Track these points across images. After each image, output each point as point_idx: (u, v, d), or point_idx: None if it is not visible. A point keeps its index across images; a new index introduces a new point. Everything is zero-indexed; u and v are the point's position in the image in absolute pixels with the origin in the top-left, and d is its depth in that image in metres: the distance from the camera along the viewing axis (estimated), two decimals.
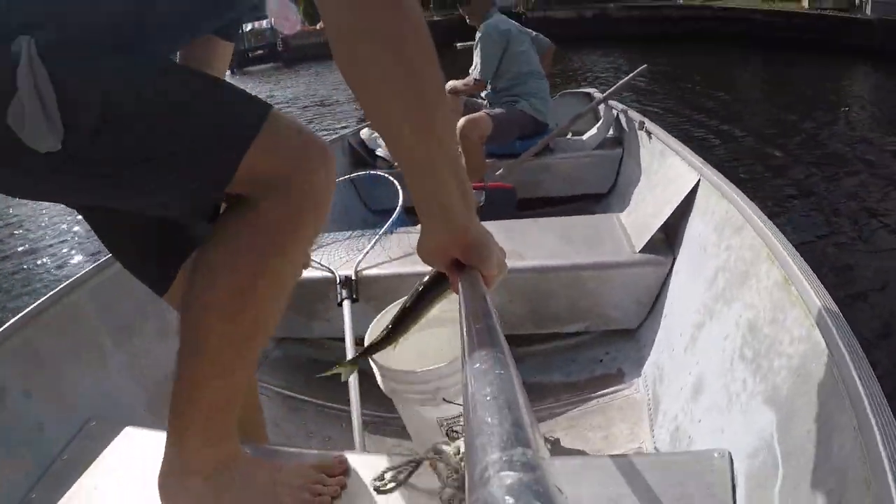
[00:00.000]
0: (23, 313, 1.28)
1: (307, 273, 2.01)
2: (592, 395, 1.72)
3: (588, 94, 3.81)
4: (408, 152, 0.60)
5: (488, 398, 0.31)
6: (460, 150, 2.95)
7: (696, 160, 1.81)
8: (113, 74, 0.69)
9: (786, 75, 9.66)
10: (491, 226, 2.12)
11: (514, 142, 3.20)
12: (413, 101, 0.57)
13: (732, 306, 1.24)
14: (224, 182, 0.74)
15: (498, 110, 3.15)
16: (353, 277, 1.83)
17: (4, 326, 1.22)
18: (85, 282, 1.47)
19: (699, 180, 1.72)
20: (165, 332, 1.64)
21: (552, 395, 1.78)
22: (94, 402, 1.31)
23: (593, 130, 3.37)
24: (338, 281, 1.83)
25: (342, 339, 1.64)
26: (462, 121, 3.00)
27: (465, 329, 0.47)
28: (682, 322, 1.52)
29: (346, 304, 1.78)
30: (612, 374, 1.80)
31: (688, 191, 1.74)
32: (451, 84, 3.29)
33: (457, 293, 0.62)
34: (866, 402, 0.69)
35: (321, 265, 1.93)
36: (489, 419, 0.29)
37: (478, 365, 0.37)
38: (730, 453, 0.95)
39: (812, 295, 0.94)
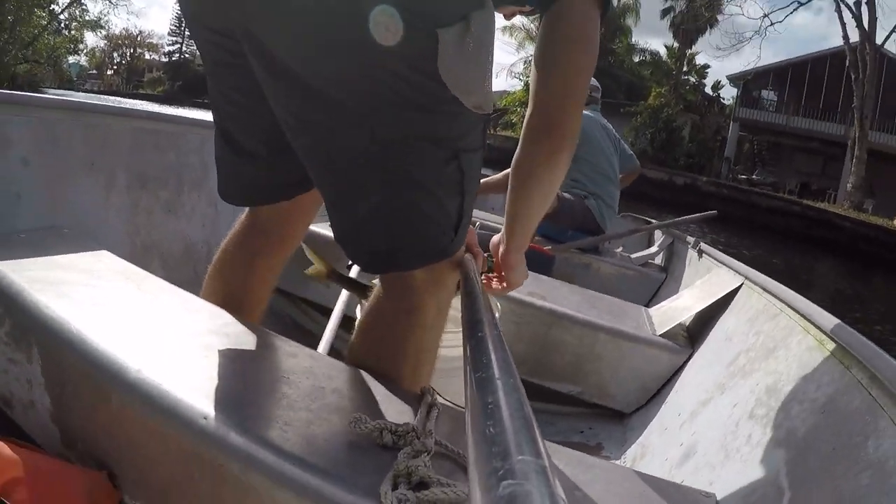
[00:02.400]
0: (62, 98, 1.28)
1: (324, 230, 1.99)
2: None
3: (648, 222, 3.84)
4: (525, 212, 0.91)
5: (491, 406, 0.31)
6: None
7: (743, 268, 1.76)
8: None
9: (871, 289, 9.16)
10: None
11: (568, 230, 3.20)
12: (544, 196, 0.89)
13: (750, 377, 1.15)
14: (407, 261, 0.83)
15: (569, 196, 3.18)
16: None
17: (42, 97, 1.23)
18: (138, 118, 1.48)
19: (742, 284, 1.65)
20: (173, 209, 1.63)
21: None
22: (81, 218, 1.27)
23: (643, 252, 3.36)
24: None
25: (328, 312, 1.57)
26: None
27: (468, 337, 0.47)
28: (683, 405, 1.41)
29: (356, 268, 1.72)
30: (589, 445, 1.66)
31: (726, 292, 1.67)
32: None
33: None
34: None
35: None
36: (492, 427, 0.29)
37: (480, 373, 0.37)
38: (716, 498, 0.84)
39: (850, 342, 0.86)
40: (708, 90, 27.22)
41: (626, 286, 3.09)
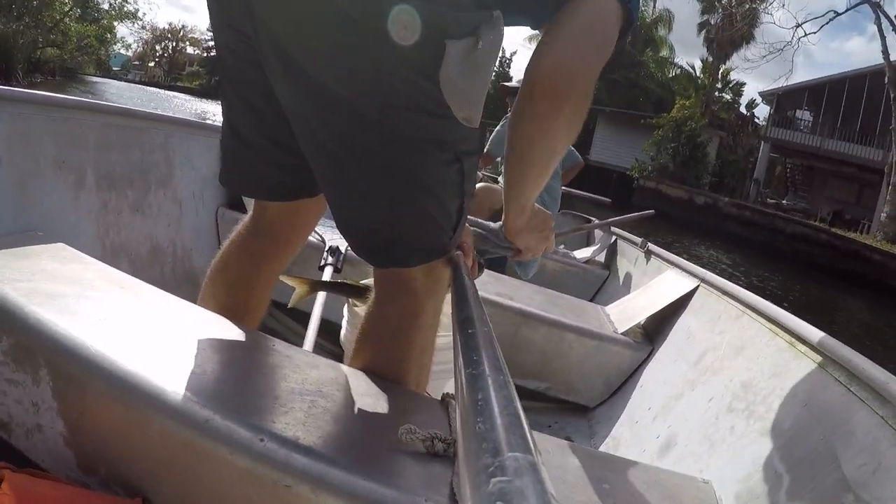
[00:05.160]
0: (36, 93, 1.23)
1: None
2: None
3: (588, 220, 4.01)
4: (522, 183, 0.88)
5: (481, 402, 0.31)
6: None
7: (699, 270, 1.89)
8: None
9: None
10: (486, 274, 2.10)
11: None
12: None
13: (721, 374, 1.25)
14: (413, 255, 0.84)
15: None
16: (344, 251, 1.78)
17: (13, 89, 1.18)
18: (107, 113, 1.45)
19: (698, 286, 1.78)
20: (140, 209, 1.59)
21: None
22: (51, 219, 1.24)
23: (585, 251, 3.51)
24: (326, 248, 1.77)
25: (298, 315, 1.55)
26: (479, 185, 3.10)
27: (458, 333, 0.47)
28: (651, 399, 1.51)
29: (328, 270, 1.71)
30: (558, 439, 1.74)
31: (683, 294, 1.80)
32: None
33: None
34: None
35: (314, 232, 1.87)
36: (482, 424, 0.28)
37: (470, 370, 0.37)
38: (713, 485, 0.92)
39: (823, 344, 0.96)
40: (742, 109, 25.82)
41: (571, 282, 3.22)
